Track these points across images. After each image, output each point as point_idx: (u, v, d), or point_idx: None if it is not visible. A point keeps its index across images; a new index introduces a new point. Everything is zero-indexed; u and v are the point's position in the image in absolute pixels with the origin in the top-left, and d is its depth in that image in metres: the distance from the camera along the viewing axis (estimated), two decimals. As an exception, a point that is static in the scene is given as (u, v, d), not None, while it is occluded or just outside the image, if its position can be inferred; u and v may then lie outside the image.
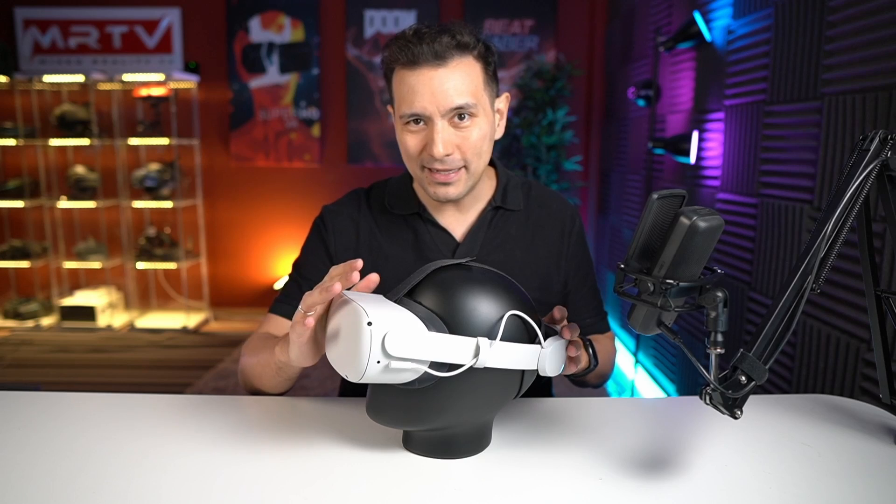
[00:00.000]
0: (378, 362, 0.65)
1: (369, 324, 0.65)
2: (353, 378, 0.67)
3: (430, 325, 0.69)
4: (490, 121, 0.99)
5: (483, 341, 0.69)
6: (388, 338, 0.65)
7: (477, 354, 0.69)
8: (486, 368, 0.71)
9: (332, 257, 1.08)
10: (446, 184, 0.97)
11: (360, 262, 0.73)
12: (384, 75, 1.00)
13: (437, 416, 0.72)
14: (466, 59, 0.94)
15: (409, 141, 0.97)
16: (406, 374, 0.68)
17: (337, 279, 0.72)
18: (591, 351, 0.93)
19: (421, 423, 0.73)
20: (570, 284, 1.12)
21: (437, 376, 0.69)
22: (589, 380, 1.05)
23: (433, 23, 0.95)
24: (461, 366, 0.69)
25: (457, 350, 0.69)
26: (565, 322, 0.83)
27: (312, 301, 0.72)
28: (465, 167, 0.98)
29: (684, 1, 2.51)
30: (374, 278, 0.76)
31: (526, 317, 0.74)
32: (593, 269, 1.17)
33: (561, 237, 1.11)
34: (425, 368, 0.68)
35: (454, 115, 0.94)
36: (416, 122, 0.95)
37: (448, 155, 0.94)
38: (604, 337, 1.14)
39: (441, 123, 0.93)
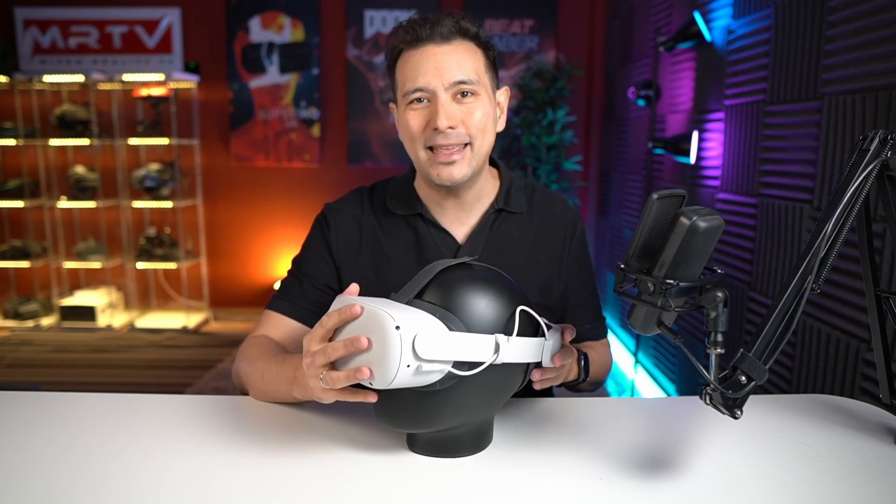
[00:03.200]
0: (408, 366, 0.65)
1: (397, 328, 0.64)
2: (378, 385, 0.67)
3: (450, 325, 0.70)
4: (493, 105, 1.00)
5: (501, 337, 0.71)
6: (418, 340, 0.65)
7: (497, 351, 0.70)
8: (500, 364, 0.72)
9: (334, 256, 1.06)
10: (450, 163, 0.96)
11: (356, 287, 0.75)
12: (388, 67, 1.02)
13: (454, 415, 0.73)
14: (468, 42, 0.97)
15: (413, 120, 0.97)
16: (433, 375, 0.69)
17: (348, 307, 0.70)
18: (582, 364, 0.95)
19: (438, 424, 0.73)
20: (570, 289, 1.11)
21: (459, 375, 0.70)
22: (581, 388, 1.06)
23: None
24: (481, 363, 0.70)
25: (479, 348, 0.70)
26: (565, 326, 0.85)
27: (332, 324, 0.71)
28: (470, 144, 0.97)
29: (684, 1, 2.51)
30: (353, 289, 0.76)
31: (532, 312, 0.75)
32: (594, 274, 1.17)
33: (563, 242, 1.10)
34: (449, 368, 0.69)
35: (457, 92, 0.95)
36: (420, 100, 0.96)
37: (452, 128, 0.94)
38: (599, 344, 1.15)
39: (445, 96, 0.94)
